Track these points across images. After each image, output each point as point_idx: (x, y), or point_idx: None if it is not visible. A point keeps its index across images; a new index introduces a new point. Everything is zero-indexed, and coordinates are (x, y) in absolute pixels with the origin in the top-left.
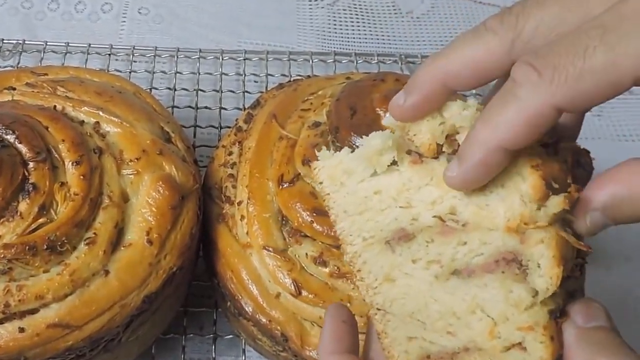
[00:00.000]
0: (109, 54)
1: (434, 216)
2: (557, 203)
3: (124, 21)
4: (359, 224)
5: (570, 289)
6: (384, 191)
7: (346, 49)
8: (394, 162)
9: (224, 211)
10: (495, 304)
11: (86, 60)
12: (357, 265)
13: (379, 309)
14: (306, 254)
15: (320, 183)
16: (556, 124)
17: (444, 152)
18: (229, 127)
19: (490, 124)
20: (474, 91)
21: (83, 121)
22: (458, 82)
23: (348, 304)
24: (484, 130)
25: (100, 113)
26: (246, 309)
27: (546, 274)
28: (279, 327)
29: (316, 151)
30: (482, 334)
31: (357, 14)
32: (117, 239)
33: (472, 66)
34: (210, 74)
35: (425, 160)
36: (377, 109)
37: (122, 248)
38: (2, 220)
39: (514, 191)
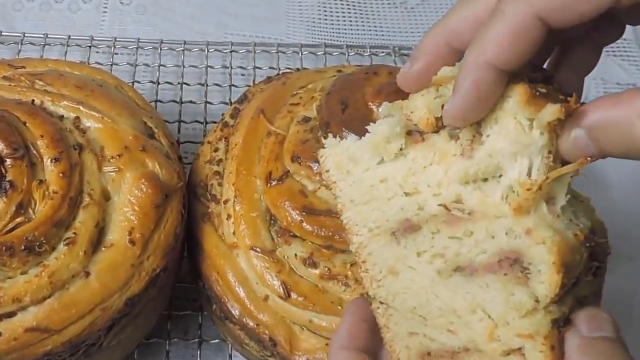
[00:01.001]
0: (90, 46)
1: (440, 204)
2: (553, 111)
3: (105, 12)
4: (365, 214)
5: (579, 295)
6: (390, 178)
7: (337, 40)
8: (401, 150)
9: (209, 210)
10: (496, 305)
11: (66, 52)
12: (363, 256)
13: (381, 303)
14: (295, 254)
15: (327, 171)
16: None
17: (444, 127)
18: (215, 123)
19: (478, 43)
20: None
21: (62, 116)
22: (461, 39)
23: (339, 307)
24: (473, 52)
25: (81, 108)
26: (233, 312)
27: (545, 280)
28: (267, 331)
29: (322, 138)
30: (481, 335)
31: (348, 4)
32: (98, 239)
33: (473, 20)
34: (195, 66)
35: (426, 137)
36: (370, 103)
37: (103, 249)
38: None
39: (509, 117)
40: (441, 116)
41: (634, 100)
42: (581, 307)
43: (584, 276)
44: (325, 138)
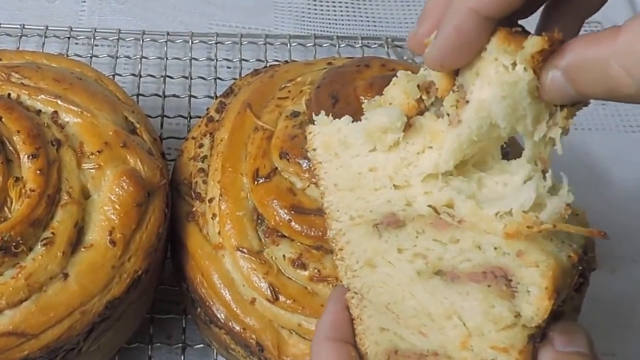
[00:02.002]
0: (69, 37)
1: (429, 205)
2: (535, 42)
3: (85, 1)
4: (348, 201)
5: (558, 311)
6: (380, 169)
7: (327, 31)
8: (397, 142)
9: (193, 209)
10: (473, 315)
11: (43, 43)
12: (340, 244)
13: (356, 293)
14: (284, 255)
15: (314, 150)
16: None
17: (428, 109)
18: (200, 117)
19: None
20: None
21: (40, 110)
22: None
23: None
24: None
25: (59, 102)
26: (218, 315)
27: (534, 303)
28: (254, 336)
29: (314, 114)
30: (454, 342)
31: None
32: (77, 240)
33: None
34: (178, 59)
35: (412, 122)
36: (362, 97)
37: (83, 249)
38: None
39: (489, 63)
40: (421, 97)
41: (612, 39)
42: (557, 321)
43: (569, 294)
44: None
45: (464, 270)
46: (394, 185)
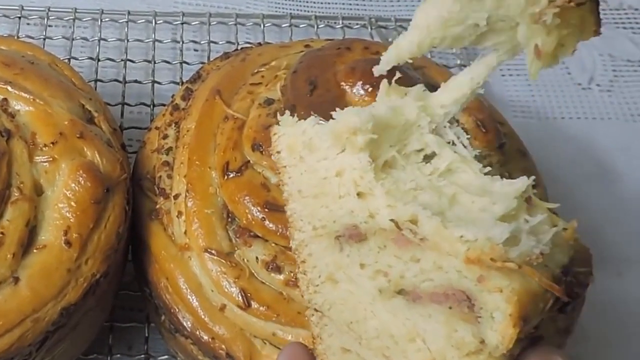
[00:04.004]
0: (19, 17)
1: (391, 220)
2: None
3: None
4: (311, 209)
5: (536, 335)
6: (346, 172)
7: (305, 11)
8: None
9: (157, 206)
10: (436, 338)
11: None
12: (302, 256)
13: (316, 310)
14: (257, 257)
15: (278, 152)
16: None
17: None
18: (164, 105)
19: None
20: (458, 61)
21: None
22: None
23: (307, 319)
24: None
25: (9, 88)
26: (184, 323)
27: (499, 331)
28: (223, 346)
29: (278, 115)
30: None
31: None
32: (28, 240)
33: None
34: (140, 41)
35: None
36: (342, 83)
37: (35, 251)
38: None
39: None
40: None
41: None
42: (534, 346)
43: (547, 316)
44: None
45: (425, 290)
46: (358, 194)
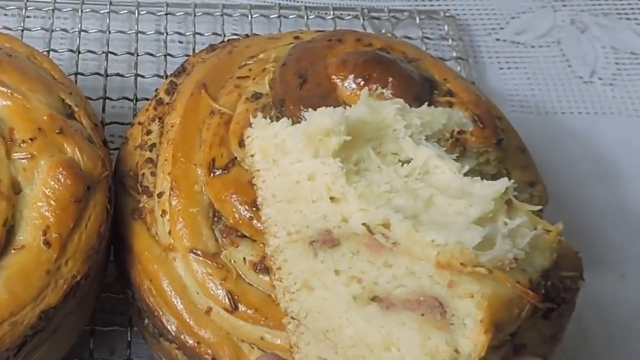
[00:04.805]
0: None
1: (363, 224)
2: None
3: None
4: (286, 214)
5: (518, 343)
6: (318, 175)
7: (294, 1)
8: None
9: (140, 205)
10: (411, 347)
11: None
12: (278, 263)
13: (293, 318)
14: (244, 258)
15: (252, 156)
16: None
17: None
18: (147, 100)
19: None
20: (454, 54)
21: None
22: None
23: None
24: None
25: None
26: (168, 327)
27: (471, 338)
28: (209, 351)
29: (251, 117)
30: None
31: None
32: (6, 241)
33: None
34: (123, 32)
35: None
36: (333, 76)
37: (13, 251)
38: None
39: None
40: None
41: None
42: (517, 355)
43: (529, 323)
44: (279, 118)
45: (398, 297)
46: (331, 198)
